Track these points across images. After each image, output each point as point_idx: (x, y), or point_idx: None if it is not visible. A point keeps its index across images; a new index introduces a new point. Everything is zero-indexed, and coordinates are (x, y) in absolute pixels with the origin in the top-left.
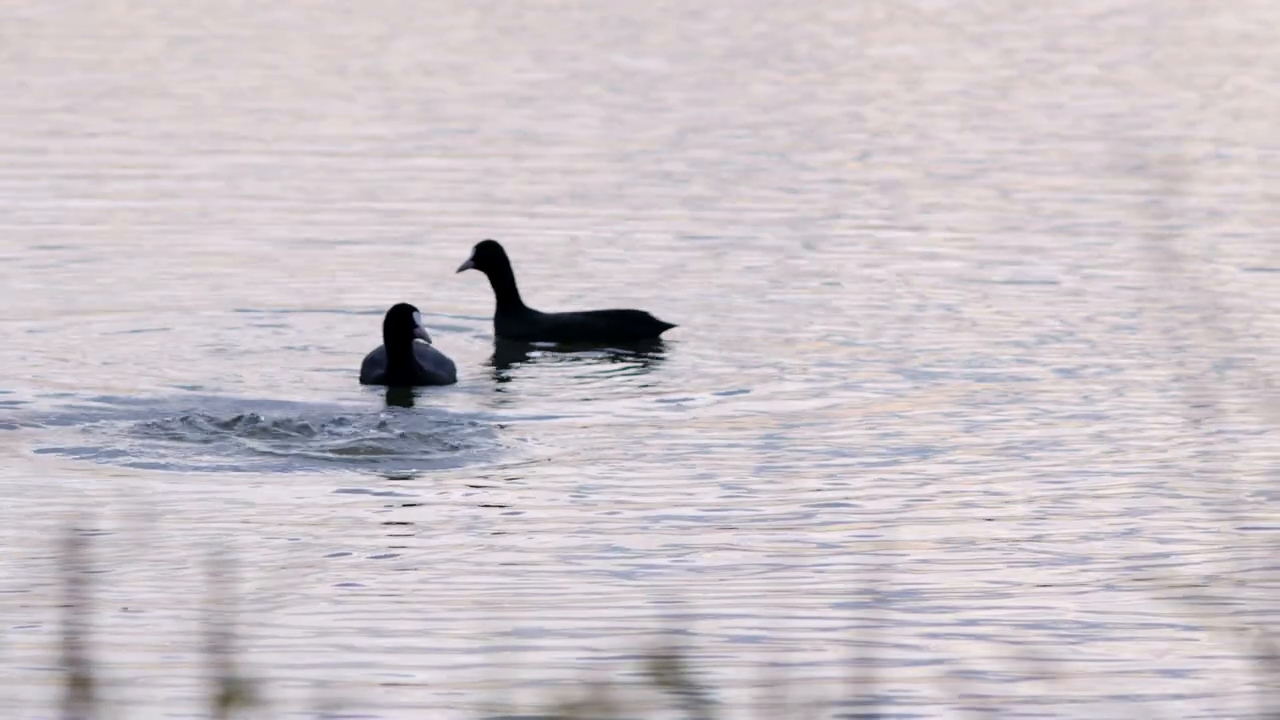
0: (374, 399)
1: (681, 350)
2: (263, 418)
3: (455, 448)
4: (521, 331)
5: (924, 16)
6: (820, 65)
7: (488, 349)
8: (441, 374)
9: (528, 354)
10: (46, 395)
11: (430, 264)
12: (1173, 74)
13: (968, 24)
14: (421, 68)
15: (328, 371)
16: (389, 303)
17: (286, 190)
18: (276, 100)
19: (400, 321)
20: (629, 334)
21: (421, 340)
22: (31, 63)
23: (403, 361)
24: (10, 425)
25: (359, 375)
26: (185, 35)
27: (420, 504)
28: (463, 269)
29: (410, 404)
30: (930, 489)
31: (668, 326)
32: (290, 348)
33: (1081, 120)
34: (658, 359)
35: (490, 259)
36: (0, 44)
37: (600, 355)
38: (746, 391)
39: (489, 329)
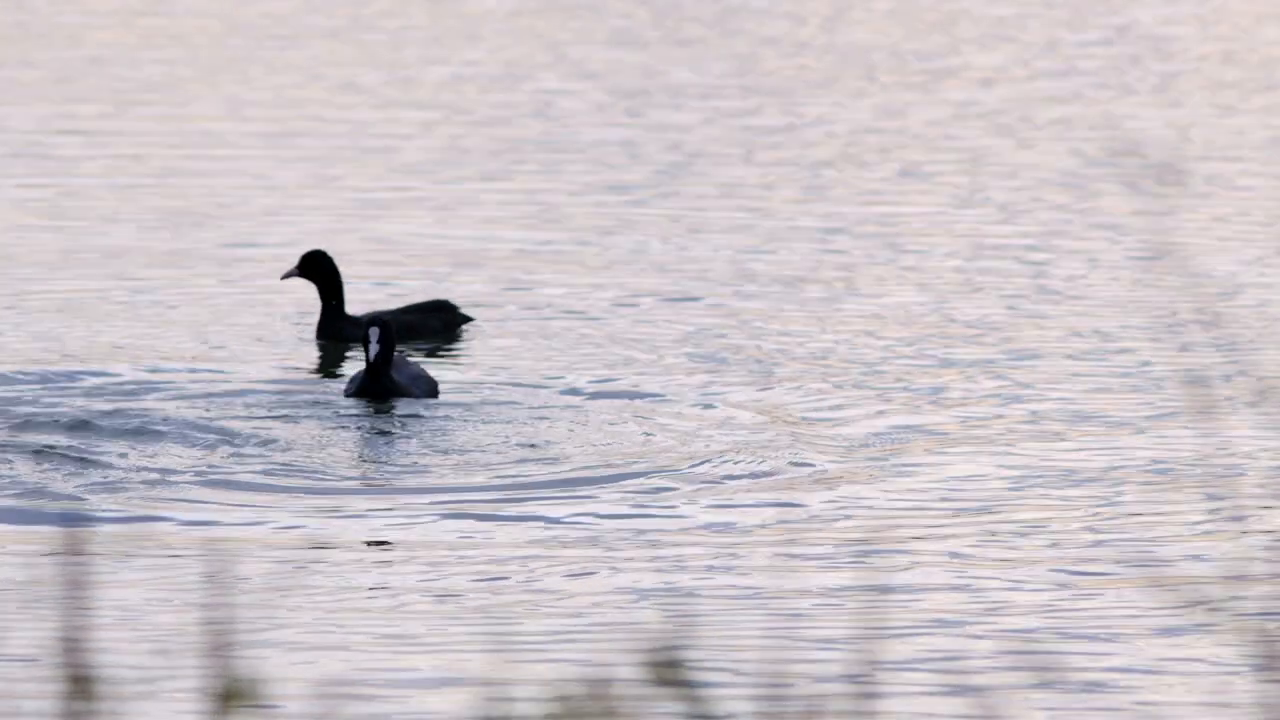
0: (352, 410)
1: (484, 339)
2: (253, 423)
3: (435, 455)
4: (340, 333)
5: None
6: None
7: (312, 353)
8: (414, 388)
9: (348, 354)
10: (44, 395)
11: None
12: (1217, 86)
13: (996, 27)
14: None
15: (319, 383)
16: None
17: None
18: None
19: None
20: (435, 325)
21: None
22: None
23: (374, 374)
24: (7, 426)
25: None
26: (187, 43)
27: (414, 506)
28: (286, 277)
29: (388, 414)
30: (924, 489)
31: (468, 319)
32: (279, 353)
33: (1102, 130)
34: (461, 349)
35: (316, 268)
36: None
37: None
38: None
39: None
